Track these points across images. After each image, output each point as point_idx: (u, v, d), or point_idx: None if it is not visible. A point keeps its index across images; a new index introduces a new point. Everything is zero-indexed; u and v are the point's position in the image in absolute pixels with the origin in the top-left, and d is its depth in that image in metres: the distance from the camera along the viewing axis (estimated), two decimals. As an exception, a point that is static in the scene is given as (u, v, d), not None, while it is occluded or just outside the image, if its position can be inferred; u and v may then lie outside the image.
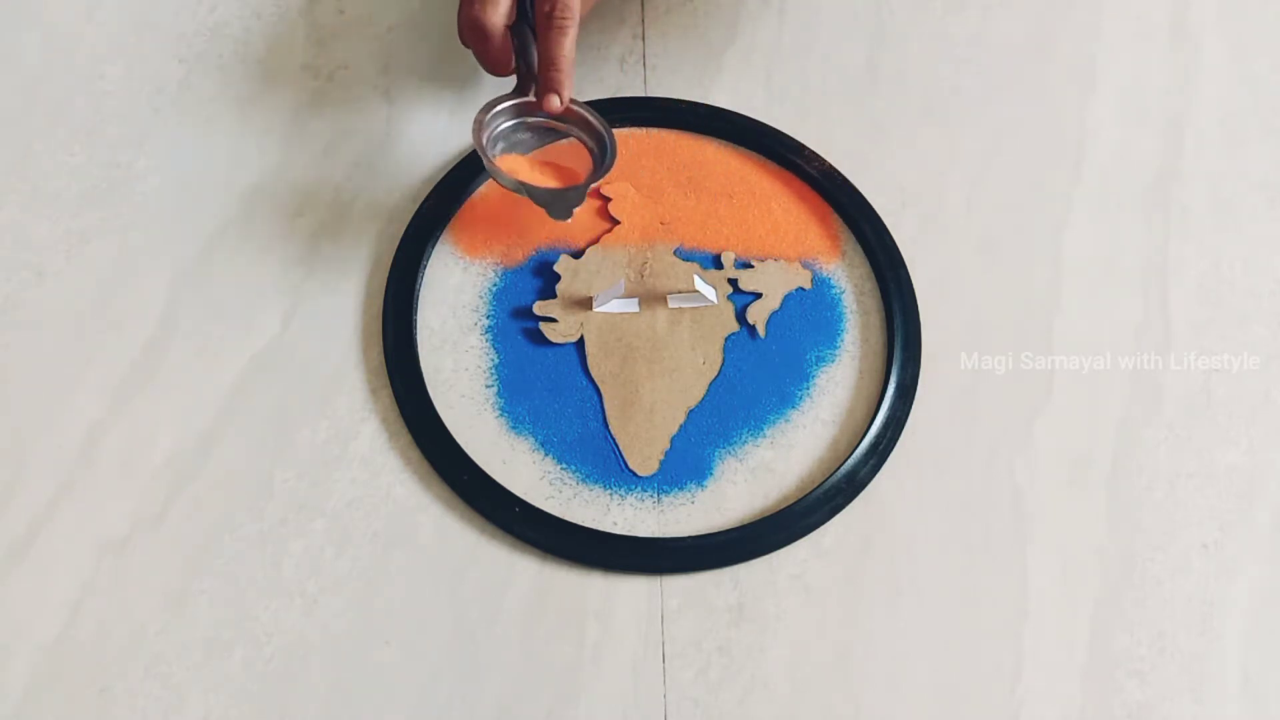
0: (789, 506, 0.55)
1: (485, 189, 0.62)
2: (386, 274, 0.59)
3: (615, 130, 0.63)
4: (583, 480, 0.56)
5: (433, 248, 0.60)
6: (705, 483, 0.56)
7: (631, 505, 0.56)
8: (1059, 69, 0.69)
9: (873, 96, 0.67)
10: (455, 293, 0.60)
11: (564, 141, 0.62)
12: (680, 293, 0.60)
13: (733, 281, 0.61)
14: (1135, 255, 0.63)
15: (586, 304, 0.59)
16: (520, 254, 0.61)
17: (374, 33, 0.67)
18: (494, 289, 0.60)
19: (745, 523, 0.55)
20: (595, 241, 0.61)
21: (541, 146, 0.62)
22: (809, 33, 0.69)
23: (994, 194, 0.65)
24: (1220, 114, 0.68)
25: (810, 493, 0.56)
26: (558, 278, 0.60)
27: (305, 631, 0.52)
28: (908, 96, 0.68)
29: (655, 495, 0.56)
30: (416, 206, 0.61)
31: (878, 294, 0.61)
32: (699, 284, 0.59)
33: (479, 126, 0.58)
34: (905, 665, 0.53)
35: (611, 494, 0.56)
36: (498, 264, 0.61)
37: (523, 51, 0.61)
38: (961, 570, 0.55)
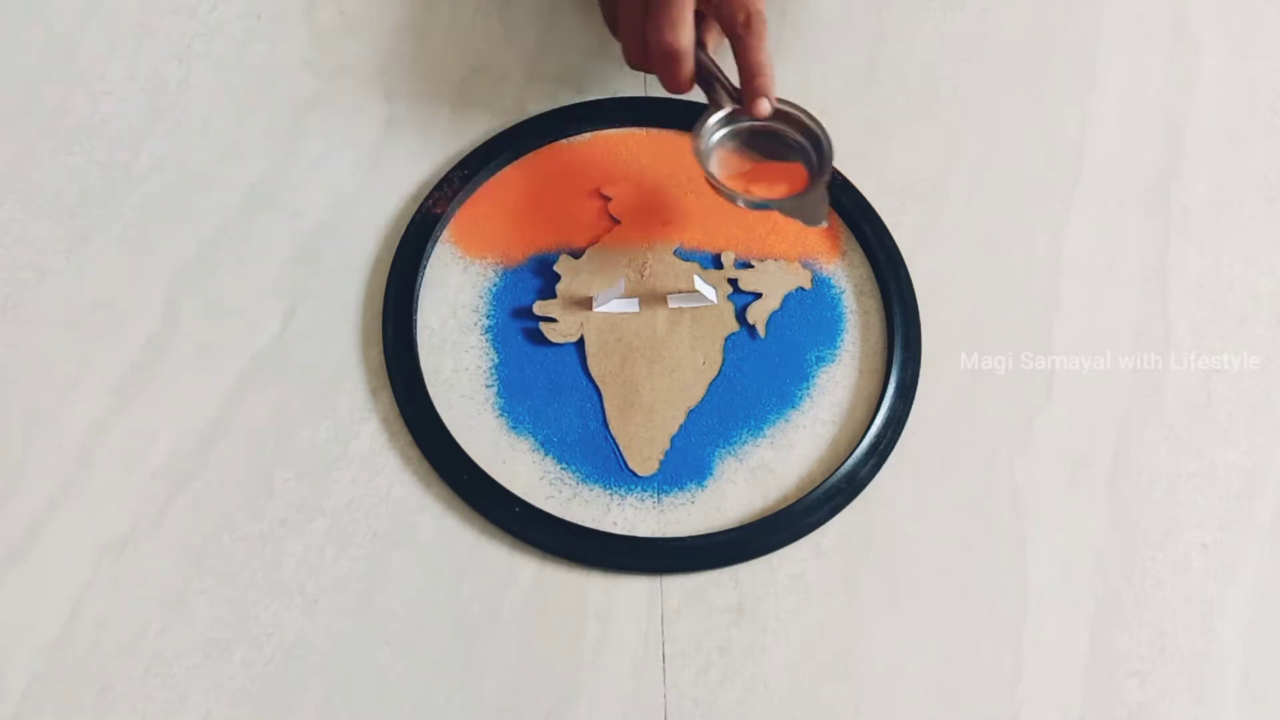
0: (789, 506, 0.55)
1: (485, 188, 0.62)
2: (386, 274, 0.59)
3: (614, 130, 0.63)
4: (582, 480, 0.56)
5: (433, 248, 0.60)
6: (705, 483, 0.56)
7: (631, 505, 0.55)
8: (1059, 68, 0.69)
9: (873, 96, 0.67)
10: (455, 293, 0.60)
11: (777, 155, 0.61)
12: (680, 293, 0.60)
13: (733, 281, 0.60)
14: (1135, 255, 0.63)
15: (586, 304, 0.59)
16: (520, 254, 0.61)
17: (374, 33, 0.67)
18: (494, 289, 0.60)
19: (745, 523, 0.55)
20: (595, 241, 0.61)
21: (754, 153, 0.61)
22: (809, 33, 0.69)
23: (994, 194, 0.65)
24: (1220, 114, 0.68)
25: (810, 493, 0.56)
26: (558, 278, 0.60)
27: (305, 631, 0.52)
28: (908, 96, 0.67)
29: (655, 495, 0.56)
30: (416, 206, 0.61)
31: (878, 294, 0.61)
32: (699, 284, 0.59)
33: (701, 155, 0.58)
34: (905, 665, 0.53)
35: (611, 494, 0.56)
36: (498, 264, 0.61)
37: (700, 65, 0.60)
38: (961, 570, 0.55)
